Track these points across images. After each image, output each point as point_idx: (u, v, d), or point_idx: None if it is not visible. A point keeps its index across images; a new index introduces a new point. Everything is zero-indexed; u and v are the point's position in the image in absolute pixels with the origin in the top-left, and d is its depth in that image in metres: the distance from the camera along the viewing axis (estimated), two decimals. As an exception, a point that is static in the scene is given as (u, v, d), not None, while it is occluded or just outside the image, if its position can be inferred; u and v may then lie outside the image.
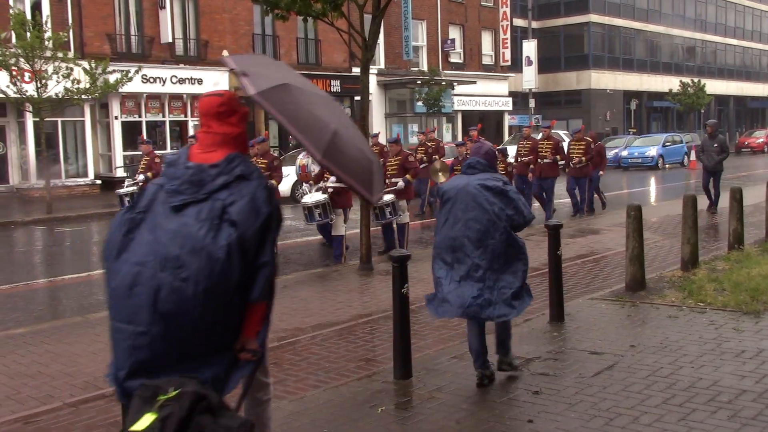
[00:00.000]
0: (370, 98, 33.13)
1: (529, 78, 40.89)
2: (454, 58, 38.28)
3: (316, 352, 6.49)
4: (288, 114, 3.24)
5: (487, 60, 40.44)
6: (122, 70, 22.37)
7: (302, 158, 19.07)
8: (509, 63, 41.03)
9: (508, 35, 40.74)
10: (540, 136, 15.83)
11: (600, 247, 11.40)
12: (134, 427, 2.71)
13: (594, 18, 46.96)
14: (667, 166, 32.76)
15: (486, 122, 37.85)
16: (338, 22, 9.94)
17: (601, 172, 16.55)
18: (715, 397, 4.87)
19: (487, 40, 40.42)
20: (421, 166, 15.34)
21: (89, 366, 6.27)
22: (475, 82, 36.95)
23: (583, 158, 15.14)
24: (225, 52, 28.34)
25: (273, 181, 10.99)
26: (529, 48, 41.12)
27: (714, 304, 7.26)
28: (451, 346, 6.36)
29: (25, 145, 23.68)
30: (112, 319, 3.14)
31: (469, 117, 39.12)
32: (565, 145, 16.47)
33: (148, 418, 2.71)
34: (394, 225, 11.41)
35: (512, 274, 5.20)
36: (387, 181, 11.06)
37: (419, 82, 33.45)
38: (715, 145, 15.20)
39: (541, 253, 7.37)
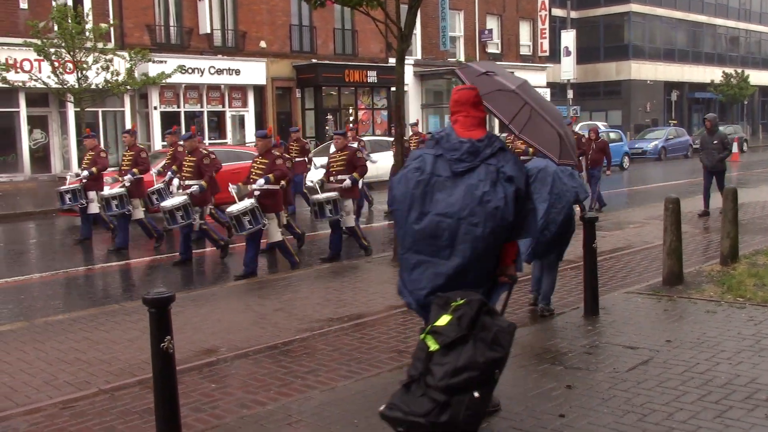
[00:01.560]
0: (406, 89, 33.11)
1: (568, 69, 40.42)
2: (492, 49, 37.99)
3: (348, 342, 6.49)
4: (539, 104, 4.73)
5: (524, 50, 40.07)
6: (161, 61, 22.73)
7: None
8: (547, 53, 40.61)
9: (547, 25, 40.29)
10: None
11: (637, 241, 11.23)
12: (438, 323, 3.80)
13: (635, 8, 46.22)
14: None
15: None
16: (374, 12, 9.91)
17: (607, 172, 15.67)
18: (753, 395, 4.77)
19: (525, 30, 40.03)
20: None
21: (125, 353, 6.36)
22: (512, 73, 36.57)
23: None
24: (262, 43, 28.50)
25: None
26: (568, 38, 40.62)
27: (754, 300, 7.11)
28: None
29: (66, 134, 24.09)
30: (416, 253, 4.17)
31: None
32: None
33: (445, 318, 3.80)
34: (344, 228, 10.77)
35: None
36: (332, 178, 10.75)
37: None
38: (715, 141, 13.64)
39: (577, 245, 7.29)
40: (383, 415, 3.79)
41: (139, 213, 12.11)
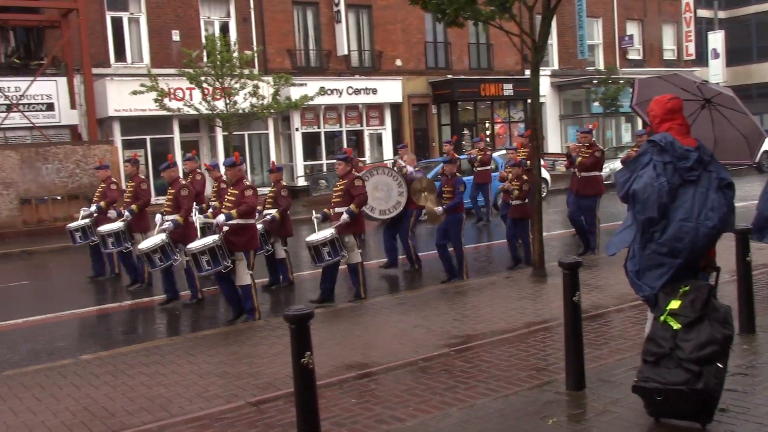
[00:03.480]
0: (543, 100, 32.61)
1: (717, 71, 38.35)
2: (633, 55, 36.69)
3: (487, 359, 6.43)
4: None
5: (668, 55, 38.40)
6: (302, 84, 23.57)
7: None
8: (693, 57, 38.71)
9: (692, 27, 38.44)
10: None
11: (799, 253, 10.43)
12: (670, 306, 4.46)
13: (790, 3, 43.24)
14: None
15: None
16: (508, 24, 9.84)
17: None
18: None
19: (668, 34, 38.37)
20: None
21: (270, 367, 6.59)
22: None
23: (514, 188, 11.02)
24: (398, 61, 28.94)
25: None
26: (716, 40, 38.58)
27: None
28: (627, 358, 6.07)
29: (216, 157, 25.38)
30: (660, 255, 4.57)
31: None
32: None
33: (676, 303, 4.46)
34: (344, 266, 9.43)
35: None
36: (330, 210, 9.49)
37: (595, 81, 32.37)
38: None
39: (729, 259, 6.87)
40: (639, 387, 4.52)
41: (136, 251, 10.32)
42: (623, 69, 34.61)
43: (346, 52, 27.57)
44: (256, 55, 23.14)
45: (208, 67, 20.78)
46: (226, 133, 22.41)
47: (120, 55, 24.08)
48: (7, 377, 6.78)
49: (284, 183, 11.05)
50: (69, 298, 10.93)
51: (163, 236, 9.25)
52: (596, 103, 32.74)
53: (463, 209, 10.49)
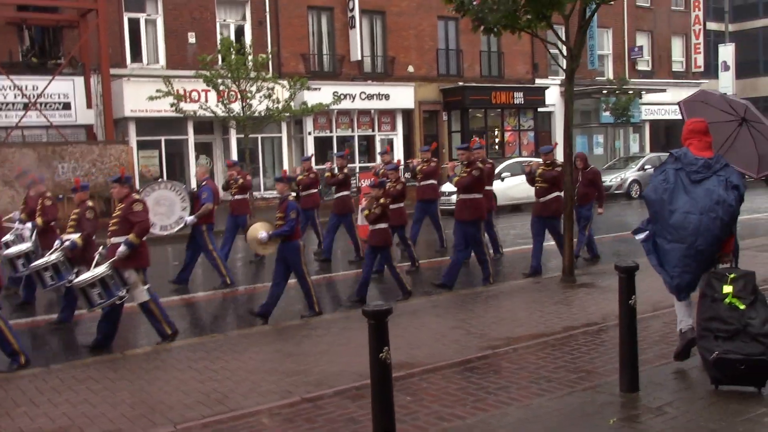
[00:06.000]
0: (552, 109, 32.80)
1: (726, 84, 38.47)
2: (642, 66, 36.86)
3: (533, 361, 6.52)
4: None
5: (677, 66, 38.60)
6: (316, 88, 23.71)
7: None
8: (702, 69, 38.90)
9: (701, 40, 38.65)
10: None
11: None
12: (725, 290, 5.29)
13: (797, 17, 43.47)
14: None
15: (677, 132, 36.12)
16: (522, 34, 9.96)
17: (599, 210, 12.43)
18: None
19: (677, 46, 38.57)
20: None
21: (317, 365, 6.67)
22: (664, 90, 35.35)
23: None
24: (410, 68, 29.08)
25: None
26: (726, 52, 38.73)
27: None
28: (672, 362, 6.15)
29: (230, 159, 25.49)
30: (668, 241, 5.60)
31: (657, 127, 37.50)
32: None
33: (728, 287, 5.29)
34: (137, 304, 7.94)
35: None
36: (108, 241, 8.00)
37: (605, 91, 32.53)
38: None
39: None
40: (721, 359, 5.20)
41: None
42: (632, 80, 34.78)
43: (359, 58, 27.71)
44: (270, 58, 23.26)
45: (224, 70, 20.90)
46: (241, 136, 22.51)
47: (136, 55, 24.18)
48: (58, 370, 6.86)
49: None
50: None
51: (105, 267, 7.67)
52: (606, 113, 32.90)
53: (299, 236, 8.81)
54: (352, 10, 27.48)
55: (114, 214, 8.00)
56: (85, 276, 7.65)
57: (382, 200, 9.36)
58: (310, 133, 26.71)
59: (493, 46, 31.29)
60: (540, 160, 11.74)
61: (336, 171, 13.70)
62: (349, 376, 6.23)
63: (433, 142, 19.93)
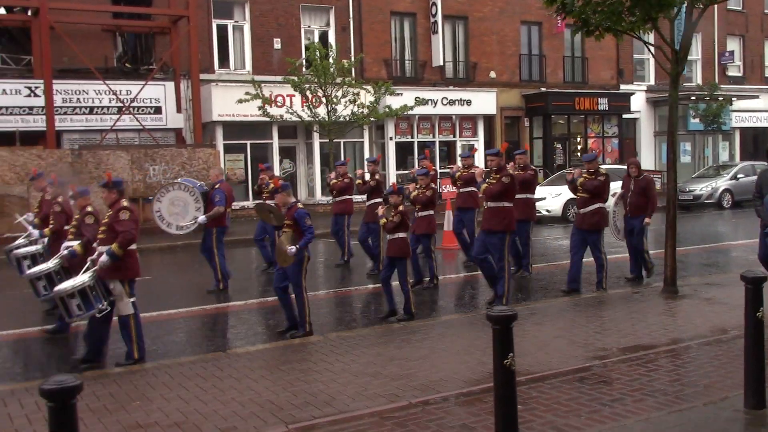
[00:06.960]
0: (637, 116, 32.00)
1: (825, 90, 36.86)
2: (733, 71, 35.63)
3: (644, 373, 6.31)
4: None
5: (770, 72, 37.20)
6: (398, 93, 23.77)
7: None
8: (796, 75, 37.37)
9: (796, 44, 37.13)
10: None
11: None
12: None
13: None
14: None
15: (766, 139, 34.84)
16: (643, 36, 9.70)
17: (646, 220, 10.92)
18: None
19: (770, 51, 37.20)
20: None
21: (420, 369, 6.61)
22: (757, 97, 34.11)
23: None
24: (492, 73, 28.86)
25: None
26: (822, 57, 37.09)
27: None
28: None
29: (311, 164, 25.78)
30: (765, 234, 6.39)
31: (748, 135, 36.19)
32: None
33: None
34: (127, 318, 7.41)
35: None
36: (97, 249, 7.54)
37: (693, 98, 31.57)
38: None
39: None
40: None
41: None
42: (722, 86, 33.67)
43: (441, 63, 27.65)
44: (357, 63, 23.44)
45: (311, 75, 21.16)
46: (324, 140, 22.71)
47: (223, 61, 24.72)
48: (165, 366, 7.01)
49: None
50: (189, 296, 11.27)
51: (87, 276, 7.36)
52: (696, 120, 31.92)
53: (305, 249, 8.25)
54: (435, 15, 27.47)
55: (103, 221, 7.62)
56: (65, 285, 7.27)
57: (401, 207, 8.97)
58: (391, 138, 26.79)
59: (576, 52, 30.79)
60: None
61: (368, 177, 12.92)
62: (455, 382, 6.16)
63: (503, 143, 19.54)
